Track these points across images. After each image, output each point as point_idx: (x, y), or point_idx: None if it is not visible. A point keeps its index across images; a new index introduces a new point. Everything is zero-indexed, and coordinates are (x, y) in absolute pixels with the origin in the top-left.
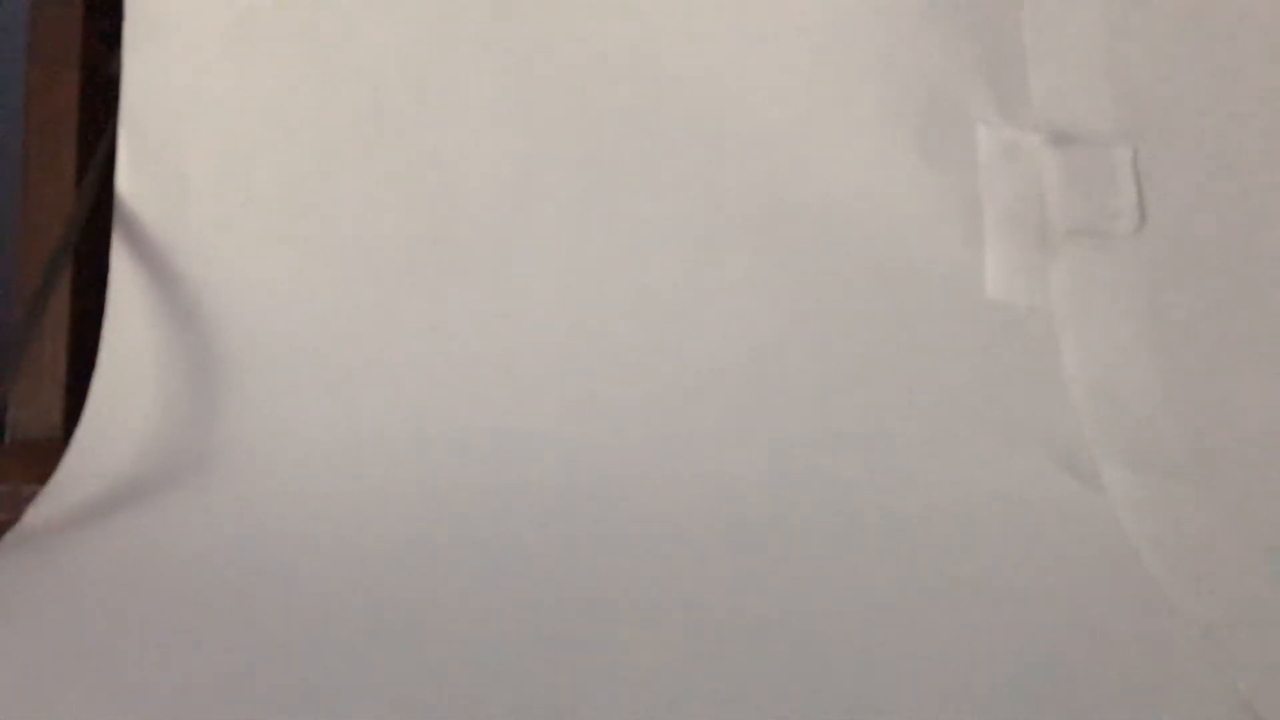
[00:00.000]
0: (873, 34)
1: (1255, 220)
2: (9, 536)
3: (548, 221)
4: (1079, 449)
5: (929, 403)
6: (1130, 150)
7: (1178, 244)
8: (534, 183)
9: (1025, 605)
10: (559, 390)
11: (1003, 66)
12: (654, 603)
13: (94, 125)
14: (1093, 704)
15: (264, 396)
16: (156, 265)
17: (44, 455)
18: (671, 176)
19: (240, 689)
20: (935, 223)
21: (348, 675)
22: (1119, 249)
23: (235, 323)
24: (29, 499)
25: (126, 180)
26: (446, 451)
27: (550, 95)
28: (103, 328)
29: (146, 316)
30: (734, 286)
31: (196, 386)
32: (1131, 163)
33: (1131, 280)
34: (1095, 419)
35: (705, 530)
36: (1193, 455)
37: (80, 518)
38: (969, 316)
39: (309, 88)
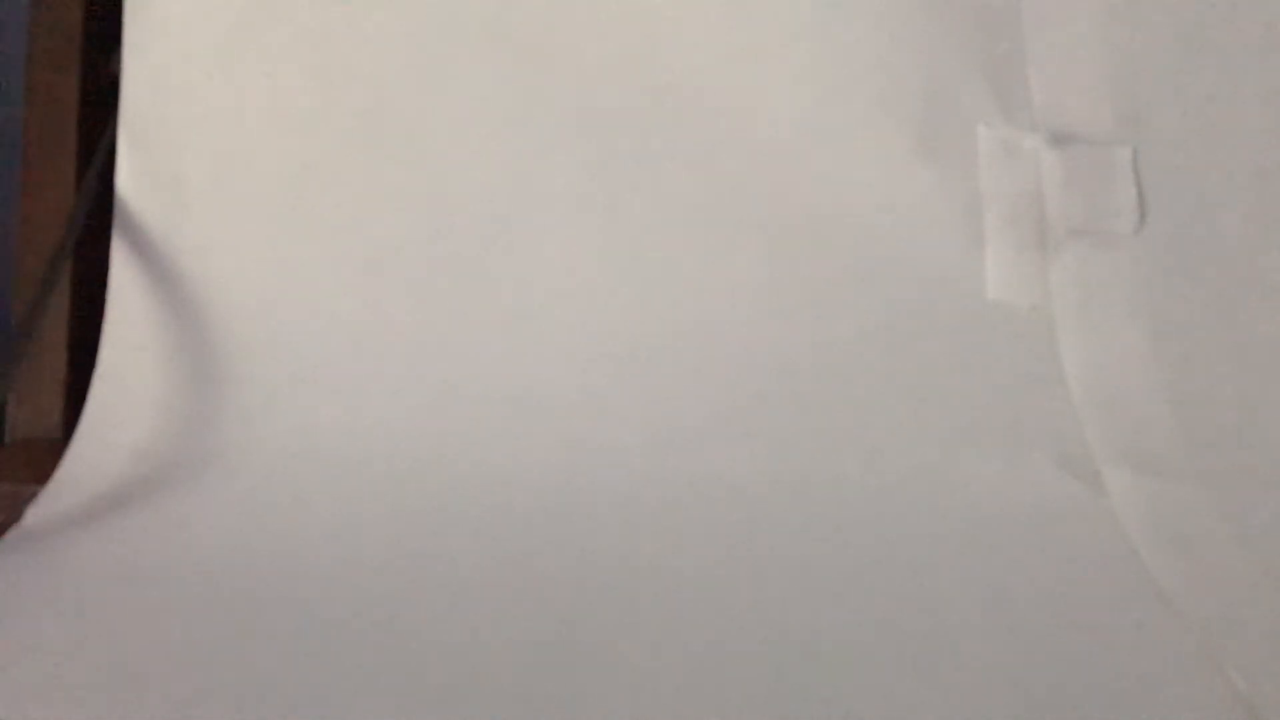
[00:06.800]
0: (873, 34)
1: (1255, 220)
2: (9, 536)
3: (548, 223)
4: (1079, 450)
5: (928, 403)
6: (1130, 150)
7: (1178, 244)
8: (534, 184)
9: (1025, 605)
10: (558, 390)
11: (1003, 66)
12: (653, 605)
13: (94, 125)
14: (1093, 704)
15: (263, 396)
16: (156, 265)
17: (44, 455)
18: (672, 178)
19: (239, 688)
20: (935, 223)
21: (346, 675)
22: (1119, 249)
23: (235, 323)
24: (29, 499)
25: (126, 180)
26: (446, 451)
27: (550, 97)
28: (103, 328)
29: (146, 316)
30: (733, 287)
31: (196, 386)
32: (1131, 163)
33: (1131, 280)
34: (1095, 419)
35: (705, 532)
36: (1193, 455)
37: (80, 518)
38: (969, 317)
39: (309, 88)
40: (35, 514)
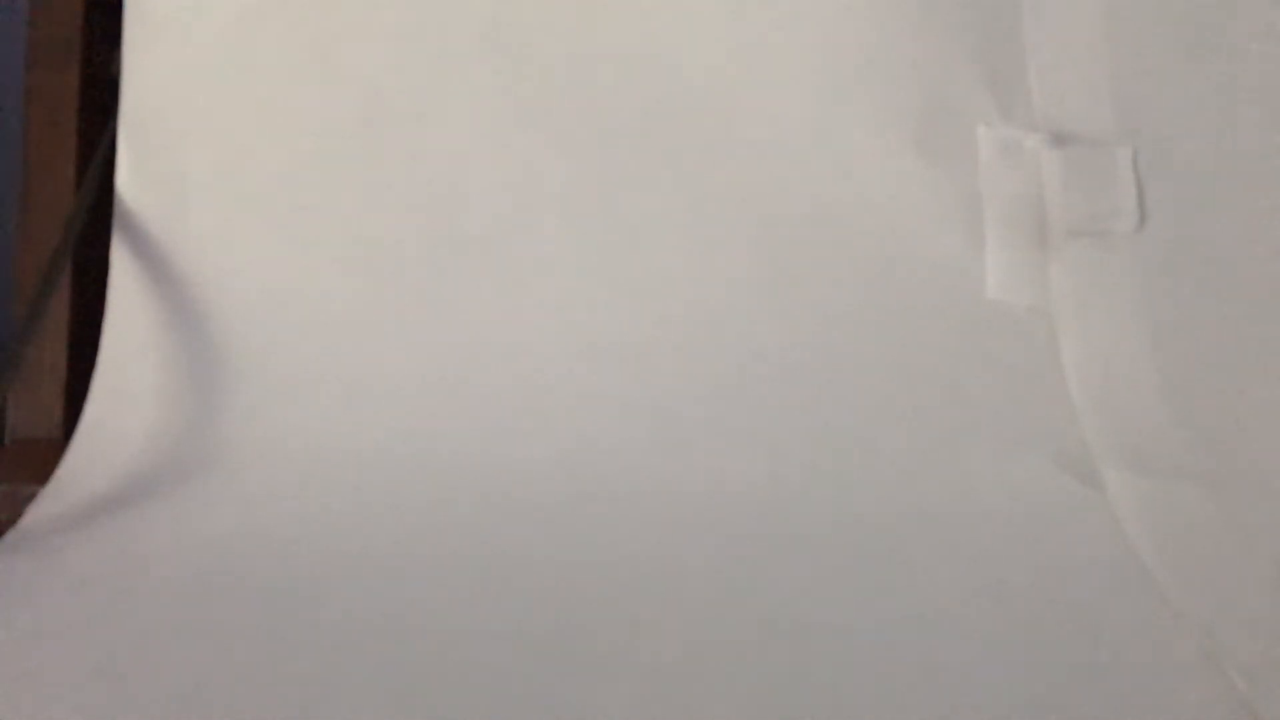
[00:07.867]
0: (873, 34)
1: (1255, 220)
2: (9, 536)
3: (548, 222)
4: (1079, 449)
5: (929, 403)
6: (1130, 150)
7: (1178, 244)
8: (534, 183)
9: (1025, 605)
10: (558, 391)
11: (1003, 66)
12: (652, 607)
13: (94, 125)
14: (1093, 704)
15: (263, 396)
16: (156, 265)
17: (44, 455)
18: (671, 177)
19: (238, 688)
20: (935, 223)
21: (347, 673)
22: (1119, 249)
23: (235, 323)
24: (29, 499)
25: (126, 180)
26: (445, 451)
27: (550, 96)
28: (103, 328)
29: (146, 316)
30: (734, 287)
31: (196, 386)
32: (1131, 163)
33: (1131, 280)
34: (1095, 419)
35: (704, 532)
36: (1193, 455)
37: (80, 518)
38: (969, 316)
39: (308, 87)
40: (35, 514)
